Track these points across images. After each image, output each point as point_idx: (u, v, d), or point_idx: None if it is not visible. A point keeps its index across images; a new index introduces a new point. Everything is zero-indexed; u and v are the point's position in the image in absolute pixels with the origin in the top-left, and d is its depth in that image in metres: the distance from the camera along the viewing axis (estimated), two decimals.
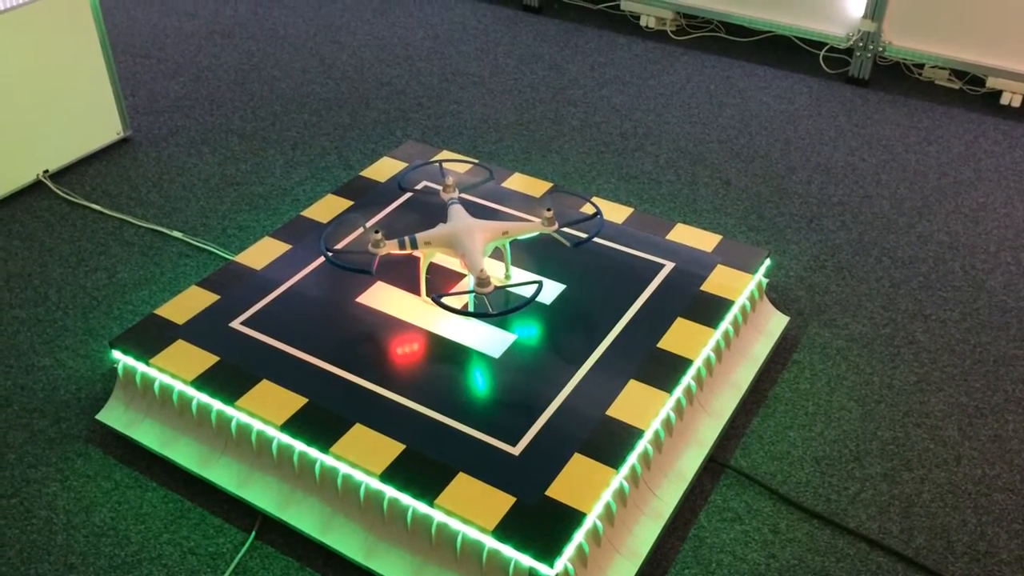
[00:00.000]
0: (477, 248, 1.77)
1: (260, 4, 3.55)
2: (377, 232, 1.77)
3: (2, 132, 2.38)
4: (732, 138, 2.75)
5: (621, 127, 2.80)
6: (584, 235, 1.88)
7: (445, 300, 1.73)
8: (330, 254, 1.82)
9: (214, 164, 2.61)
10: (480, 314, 1.78)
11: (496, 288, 1.74)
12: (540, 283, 1.73)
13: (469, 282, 1.76)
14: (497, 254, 1.94)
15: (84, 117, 2.58)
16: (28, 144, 2.45)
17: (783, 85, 3.03)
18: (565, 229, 1.94)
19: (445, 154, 2.32)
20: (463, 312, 1.76)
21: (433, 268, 1.95)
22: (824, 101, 2.94)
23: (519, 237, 1.85)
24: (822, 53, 3.12)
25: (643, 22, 3.36)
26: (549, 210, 1.83)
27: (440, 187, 2.02)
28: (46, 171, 2.50)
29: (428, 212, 2.12)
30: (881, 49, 2.96)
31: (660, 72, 3.11)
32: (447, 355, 1.74)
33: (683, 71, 3.11)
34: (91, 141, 2.61)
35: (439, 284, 1.92)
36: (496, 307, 1.76)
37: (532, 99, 2.95)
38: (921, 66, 3.05)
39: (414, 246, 1.80)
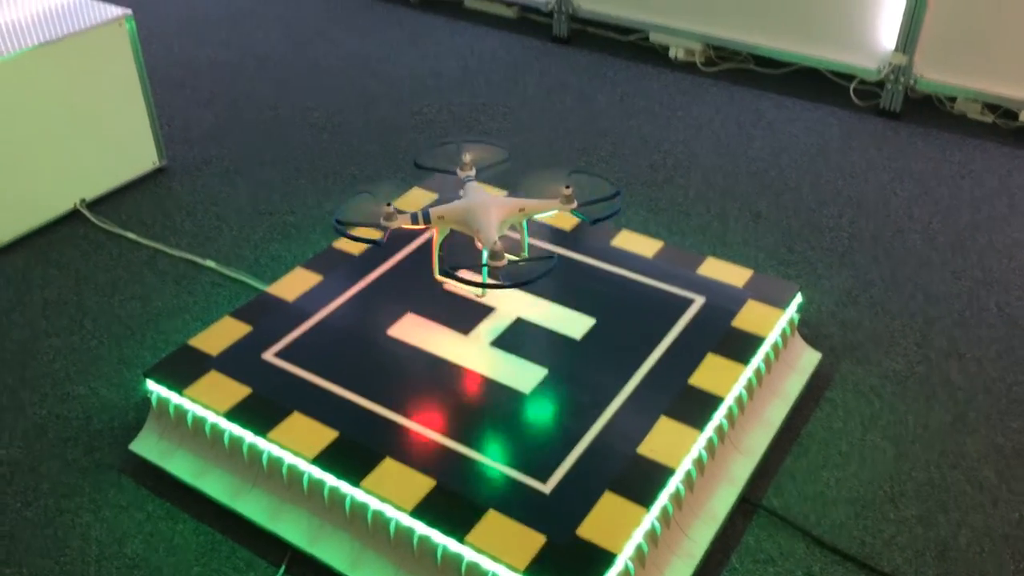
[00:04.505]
0: (492, 223, 1.70)
1: (292, 35, 3.60)
2: (389, 205, 1.71)
3: (42, 162, 2.42)
4: (762, 170, 2.74)
5: (650, 158, 2.80)
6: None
7: (459, 274, 1.67)
8: (341, 226, 1.75)
9: (247, 193, 2.64)
10: (494, 285, 1.69)
11: (510, 262, 1.67)
12: (555, 257, 1.67)
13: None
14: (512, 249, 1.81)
15: (121, 147, 2.62)
16: (67, 173, 2.49)
17: (813, 117, 3.02)
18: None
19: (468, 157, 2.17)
20: (476, 284, 1.69)
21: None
22: (855, 134, 2.93)
23: (536, 215, 1.78)
24: (852, 85, 3.11)
25: (672, 53, 3.37)
26: (568, 187, 1.76)
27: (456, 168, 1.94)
28: (83, 200, 2.54)
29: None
30: (913, 82, 2.95)
31: (689, 103, 3.11)
32: (478, 389, 1.74)
33: (712, 103, 3.12)
34: (128, 170, 2.65)
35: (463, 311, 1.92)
36: (510, 279, 1.67)
37: (562, 130, 2.96)
38: (953, 99, 3.03)
39: (427, 220, 1.73)
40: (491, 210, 1.73)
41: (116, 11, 2.52)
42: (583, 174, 2.02)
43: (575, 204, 1.77)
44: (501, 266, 1.64)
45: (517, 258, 1.79)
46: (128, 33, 2.54)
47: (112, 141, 2.59)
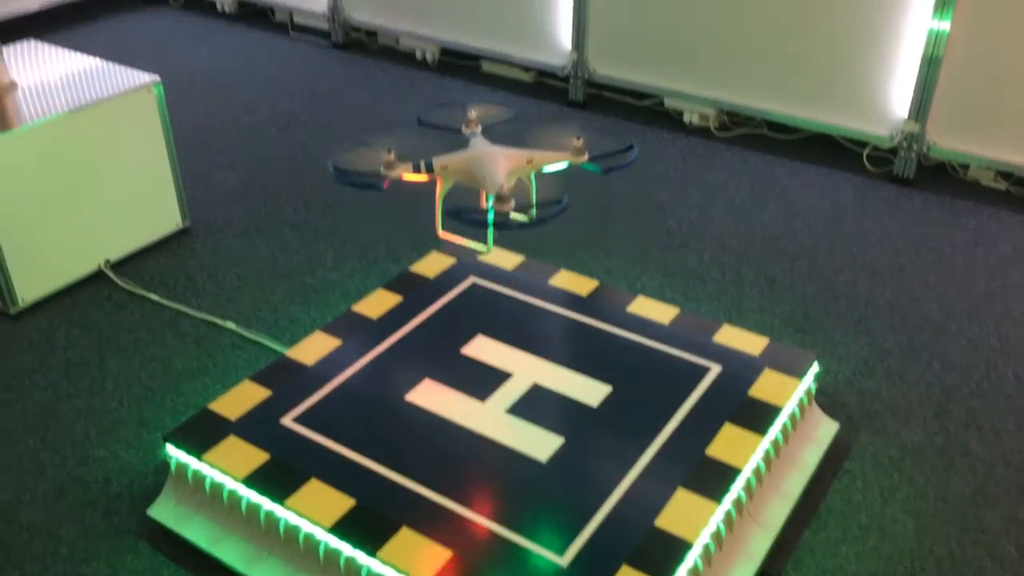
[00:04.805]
0: (499, 173, 1.61)
1: (315, 98, 3.68)
2: (390, 152, 1.63)
3: (68, 224, 2.47)
4: (777, 236, 2.76)
5: (666, 223, 2.83)
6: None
7: (467, 216, 1.58)
8: (339, 174, 1.66)
9: (267, 255, 2.68)
10: (501, 224, 1.61)
11: (518, 223, 1.59)
12: (566, 201, 1.59)
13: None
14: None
15: (146, 208, 2.67)
16: (92, 235, 2.54)
17: (827, 182, 3.05)
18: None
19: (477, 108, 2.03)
20: (484, 223, 1.60)
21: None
22: (869, 200, 2.96)
23: (545, 168, 1.69)
24: (865, 152, 3.15)
25: (686, 118, 3.42)
26: (579, 138, 1.68)
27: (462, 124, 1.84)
28: (108, 261, 2.58)
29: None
30: (926, 149, 2.98)
31: (704, 168, 3.15)
32: (494, 458, 1.75)
33: (726, 167, 3.16)
34: (152, 231, 2.70)
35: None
36: (517, 222, 1.60)
37: (577, 194, 2.99)
38: (967, 166, 3.06)
39: (429, 170, 1.65)
40: (498, 159, 1.64)
41: (145, 78, 2.59)
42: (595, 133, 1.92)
43: (586, 156, 1.68)
44: (508, 210, 1.54)
45: (525, 217, 1.68)
46: (156, 99, 2.60)
47: (137, 203, 2.64)
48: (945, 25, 2.82)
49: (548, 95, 3.68)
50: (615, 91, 3.61)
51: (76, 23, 4.29)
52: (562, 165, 1.70)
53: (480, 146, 1.72)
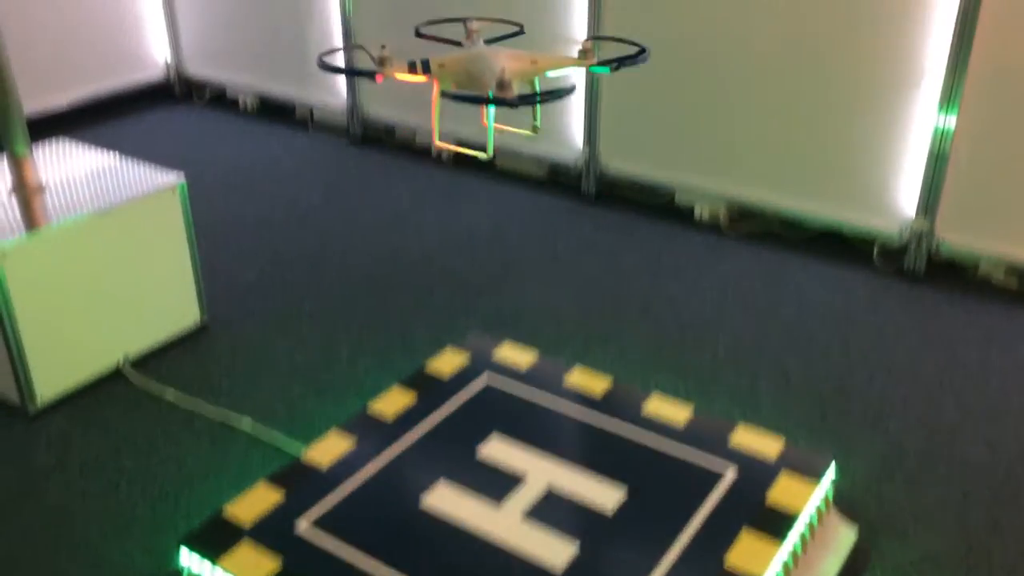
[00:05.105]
0: (500, 68, 1.51)
1: (333, 194, 3.77)
2: (384, 48, 1.54)
3: (89, 321, 2.51)
4: (790, 333, 2.78)
5: (679, 319, 2.85)
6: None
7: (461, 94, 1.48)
8: (327, 66, 1.58)
9: (284, 350, 2.71)
10: (501, 101, 1.48)
11: (520, 96, 1.47)
12: (573, 84, 1.50)
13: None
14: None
15: (165, 305, 2.72)
16: (111, 332, 2.58)
17: (839, 279, 3.08)
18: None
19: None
20: (484, 101, 1.50)
21: None
22: (881, 296, 2.98)
23: (550, 72, 1.60)
24: (876, 248, 3.18)
25: (697, 213, 3.48)
26: (588, 40, 1.59)
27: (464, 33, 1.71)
28: (126, 358, 2.61)
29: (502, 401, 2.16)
30: (935, 247, 3.01)
31: (715, 263, 3.19)
32: (510, 566, 1.73)
33: (738, 263, 3.19)
34: (170, 328, 2.74)
35: None
36: (520, 100, 1.48)
37: (591, 289, 3.04)
38: (977, 263, 3.07)
39: (426, 70, 1.55)
40: (500, 58, 1.54)
41: (170, 177, 2.66)
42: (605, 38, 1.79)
43: (594, 60, 1.59)
44: (511, 96, 1.45)
45: (528, 131, 1.59)
46: (180, 198, 2.67)
47: (157, 299, 2.69)
48: (951, 121, 2.88)
49: (561, 190, 3.75)
50: (627, 186, 3.68)
51: (105, 120, 4.43)
52: (568, 69, 1.60)
53: (481, 47, 1.62)
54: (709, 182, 3.42)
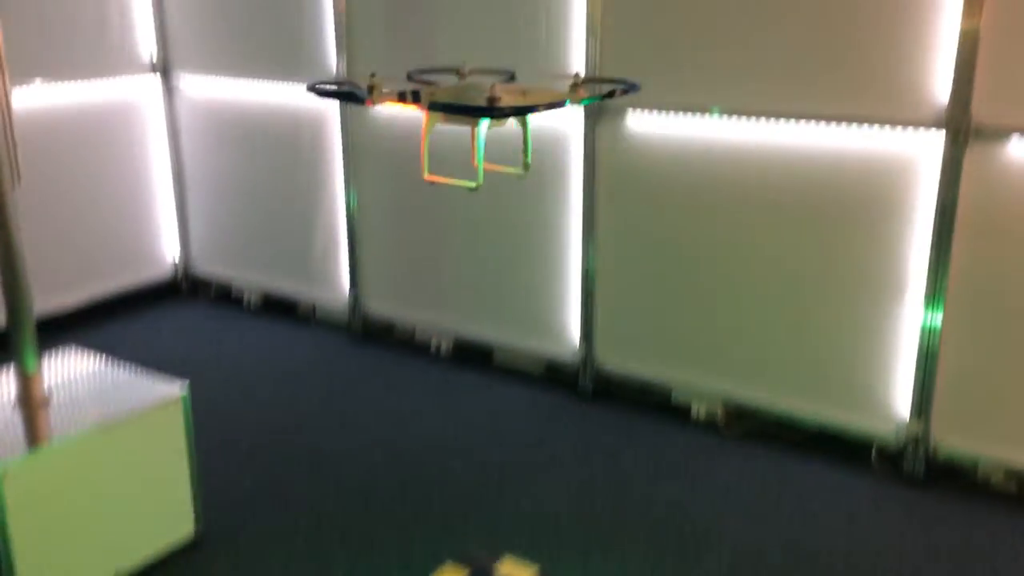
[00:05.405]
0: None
1: (333, 392, 3.80)
2: (373, 75, 1.53)
3: (83, 535, 2.47)
4: (792, 541, 2.73)
5: (679, 525, 2.82)
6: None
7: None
8: (318, 91, 1.56)
9: (278, 566, 2.65)
10: (496, 111, 1.45)
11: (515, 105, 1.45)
12: (567, 101, 1.49)
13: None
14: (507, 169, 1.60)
15: (160, 519, 2.68)
16: (105, 545, 2.53)
17: (838, 483, 3.05)
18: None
19: None
20: (473, 112, 1.47)
21: None
22: (882, 501, 2.95)
23: (540, 111, 1.58)
24: (873, 449, 3.17)
25: (694, 412, 3.50)
26: (577, 74, 1.59)
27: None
28: (117, 573, 2.56)
29: None
30: (932, 450, 3.01)
31: (714, 466, 3.18)
32: None
33: (736, 463, 3.18)
34: (164, 541, 2.69)
35: None
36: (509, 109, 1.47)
37: (590, 493, 3.01)
38: (976, 466, 3.05)
39: (416, 100, 1.54)
40: (490, 85, 1.54)
41: (175, 389, 2.69)
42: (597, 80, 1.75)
43: (584, 93, 1.60)
44: (500, 101, 1.44)
45: (517, 170, 1.57)
46: (182, 410, 2.70)
47: (152, 512, 2.65)
48: (937, 319, 2.92)
49: (558, 387, 3.79)
50: (624, 383, 3.72)
51: (114, 317, 4.53)
52: (559, 103, 1.61)
53: (471, 79, 1.65)
54: (706, 381, 3.46)
